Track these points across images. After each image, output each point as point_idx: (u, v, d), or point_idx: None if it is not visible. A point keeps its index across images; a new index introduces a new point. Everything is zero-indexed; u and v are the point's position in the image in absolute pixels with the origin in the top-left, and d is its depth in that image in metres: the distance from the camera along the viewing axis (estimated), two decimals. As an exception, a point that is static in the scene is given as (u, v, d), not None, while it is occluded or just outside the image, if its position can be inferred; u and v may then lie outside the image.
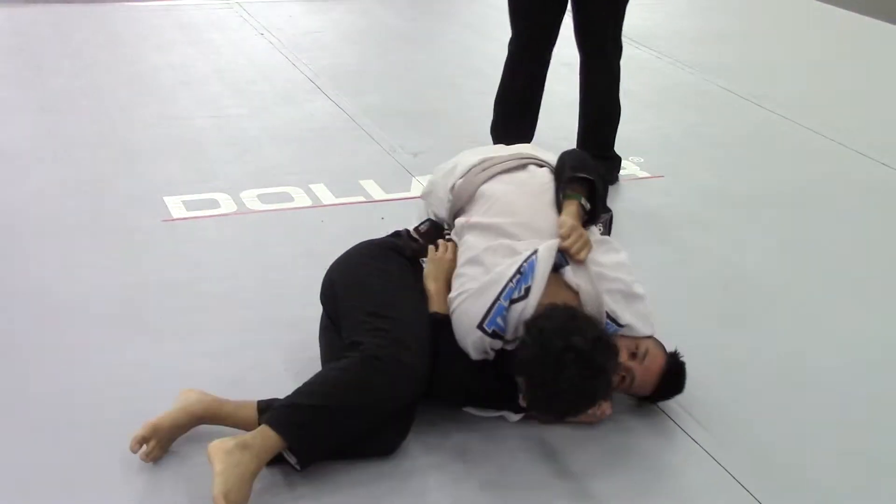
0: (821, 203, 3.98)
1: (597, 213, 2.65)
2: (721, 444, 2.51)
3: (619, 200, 3.86)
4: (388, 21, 6.40)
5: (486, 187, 2.71)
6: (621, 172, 4.13)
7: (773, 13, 7.09)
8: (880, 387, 2.81)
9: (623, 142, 4.40)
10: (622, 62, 3.92)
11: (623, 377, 2.48)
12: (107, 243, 3.36)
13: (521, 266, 2.44)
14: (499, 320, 2.40)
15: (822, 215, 3.87)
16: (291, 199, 3.76)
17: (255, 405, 2.36)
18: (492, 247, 2.53)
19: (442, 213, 2.81)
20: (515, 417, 2.54)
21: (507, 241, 2.54)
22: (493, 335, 2.41)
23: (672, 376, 2.55)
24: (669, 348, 2.58)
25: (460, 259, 2.59)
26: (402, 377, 2.33)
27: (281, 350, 2.78)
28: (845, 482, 2.43)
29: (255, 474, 2.20)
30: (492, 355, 2.48)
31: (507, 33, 3.90)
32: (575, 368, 2.26)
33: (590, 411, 2.47)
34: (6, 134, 4.28)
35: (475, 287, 2.45)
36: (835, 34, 6.73)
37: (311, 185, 3.87)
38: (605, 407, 2.50)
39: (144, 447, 2.29)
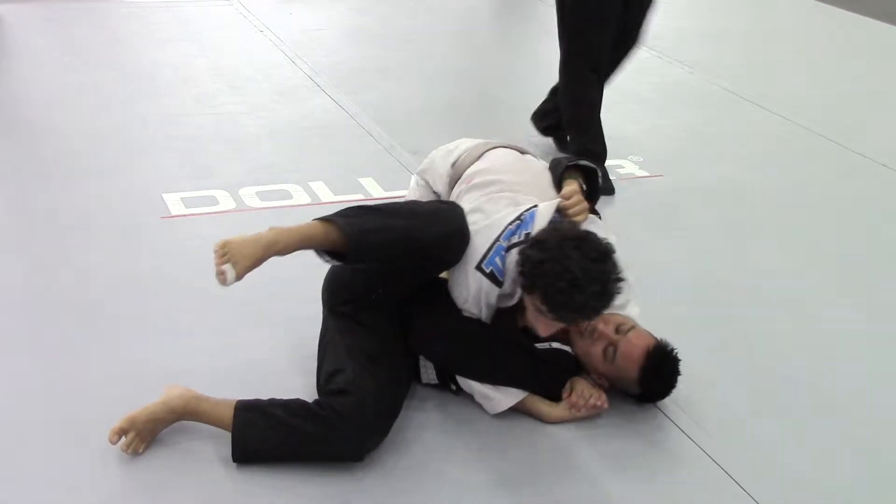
0: (820, 203, 3.98)
1: (594, 200, 2.69)
2: (719, 443, 2.51)
3: (619, 199, 3.86)
4: (388, 19, 6.39)
5: (489, 154, 2.79)
6: (622, 171, 4.14)
7: (773, 13, 7.09)
8: (880, 386, 2.81)
9: (623, 141, 4.40)
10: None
11: (607, 348, 2.49)
12: (105, 240, 3.35)
13: (521, 214, 2.49)
14: (497, 261, 2.43)
15: (822, 215, 3.87)
16: (290, 196, 3.76)
17: (233, 405, 2.35)
18: (494, 197, 2.59)
19: (439, 186, 2.86)
20: (507, 403, 2.49)
21: (509, 194, 2.60)
22: (491, 277, 2.42)
23: (659, 359, 2.50)
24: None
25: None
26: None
27: (279, 348, 2.78)
28: (845, 482, 2.42)
29: (265, 249, 2.29)
30: (485, 310, 2.48)
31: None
32: (579, 252, 2.29)
33: (591, 402, 2.47)
34: (5, 131, 4.27)
35: (474, 230, 2.48)
36: (835, 34, 6.73)
37: (311, 183, 3.86)
38: (603, 399, 2.50)
39: (124, 438, 2.30)
